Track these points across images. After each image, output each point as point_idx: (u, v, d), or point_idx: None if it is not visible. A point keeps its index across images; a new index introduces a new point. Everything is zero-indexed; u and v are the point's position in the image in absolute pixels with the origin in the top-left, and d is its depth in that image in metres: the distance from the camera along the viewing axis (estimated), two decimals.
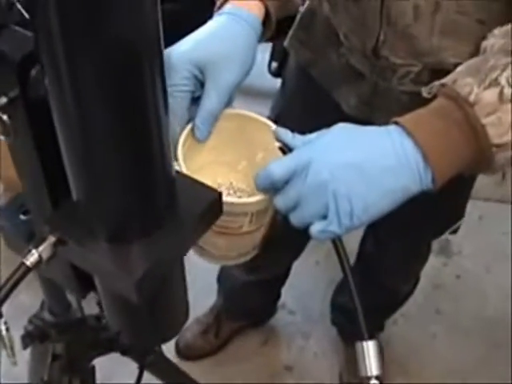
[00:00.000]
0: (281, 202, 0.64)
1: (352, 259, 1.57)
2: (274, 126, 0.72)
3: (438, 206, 1.00)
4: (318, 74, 1.04)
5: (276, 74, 1.23)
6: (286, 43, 1.08)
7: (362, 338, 0.58)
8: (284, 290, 1.71)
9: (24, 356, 1.59)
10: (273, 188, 0.64)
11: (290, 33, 1.07)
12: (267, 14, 0.79)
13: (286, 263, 1.53)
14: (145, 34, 0.42)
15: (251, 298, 1.65)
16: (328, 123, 0.67)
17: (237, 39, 0.73)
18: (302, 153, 0.64)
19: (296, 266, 1.55)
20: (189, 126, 0.71)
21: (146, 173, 0.50)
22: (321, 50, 1.01)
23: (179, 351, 1.74)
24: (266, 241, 0.77)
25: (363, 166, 0.61)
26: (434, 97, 0.67)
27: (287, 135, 0.67)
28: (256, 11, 0.77)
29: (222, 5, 0.78)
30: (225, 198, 0.60)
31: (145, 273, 0.51)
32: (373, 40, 0.87)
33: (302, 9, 1.06)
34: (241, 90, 0.75)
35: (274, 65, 1.21)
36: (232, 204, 0.65)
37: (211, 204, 0.57)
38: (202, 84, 0.72)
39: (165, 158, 0.51)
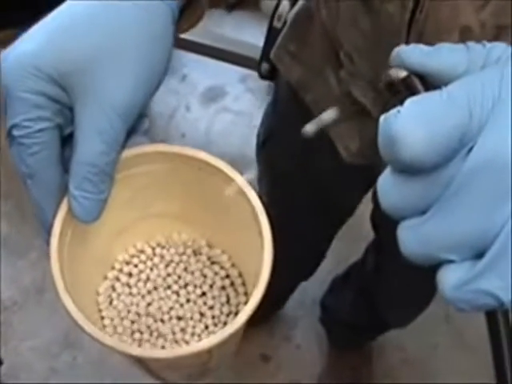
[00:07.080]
0: (397, 194, 0.28)
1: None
2: (229, 170, 0.45)
3: None
4: (311, 101, 0.77)
5: (268, 77, 0.93)
6: (271, 55, 0.81)
7: None
8: None
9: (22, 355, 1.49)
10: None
11: (278, 42, 0.79)
12: None
13: (292, 286, 1.37)
14: None
15: None
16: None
17: (133, 22, 0.40)
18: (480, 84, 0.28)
19: None
20: (65, 199, 0.42)
21: None
22: (317, 69, 0.73)
23: None
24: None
25: None
26: None
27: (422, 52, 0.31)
28: None
29: None
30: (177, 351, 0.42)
31: None
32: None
33: (292, 10, 0.76)
34: None
35: (266, 66, 0.91)
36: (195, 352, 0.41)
37: None
38: (71, 109, 0.40)
39: None
